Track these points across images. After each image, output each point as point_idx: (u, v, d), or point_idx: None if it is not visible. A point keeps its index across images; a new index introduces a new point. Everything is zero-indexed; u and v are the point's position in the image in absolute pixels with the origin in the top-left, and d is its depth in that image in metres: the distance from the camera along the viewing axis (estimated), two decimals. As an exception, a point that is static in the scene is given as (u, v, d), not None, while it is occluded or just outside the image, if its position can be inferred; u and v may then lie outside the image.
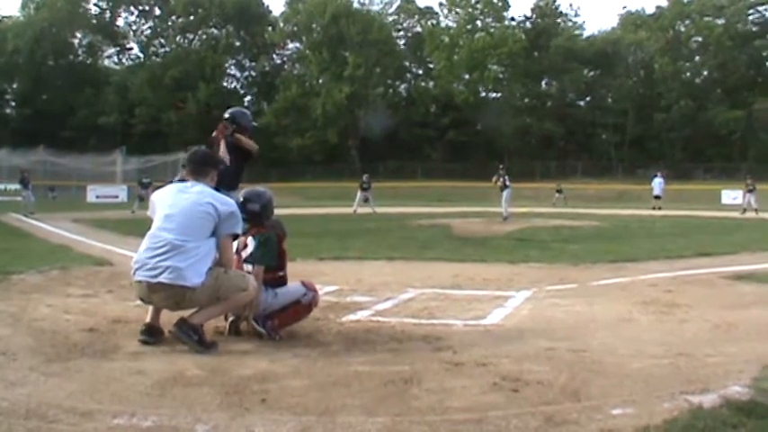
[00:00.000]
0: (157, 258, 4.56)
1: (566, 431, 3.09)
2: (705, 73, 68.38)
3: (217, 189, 4.94)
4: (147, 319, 4.78)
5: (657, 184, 36.19)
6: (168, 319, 4.97)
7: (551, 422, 3.18)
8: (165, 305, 4.70)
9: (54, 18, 68.59)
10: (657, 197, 35.53)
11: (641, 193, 41.43)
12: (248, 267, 5.04)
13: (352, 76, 65.59)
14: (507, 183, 24.03)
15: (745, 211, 30.50)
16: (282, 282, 5.20)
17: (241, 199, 5.25)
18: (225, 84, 76.45)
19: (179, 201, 4.74)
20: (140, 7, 76.71)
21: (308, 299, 5.16)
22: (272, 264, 5.09)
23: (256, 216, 5.20)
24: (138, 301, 4.94)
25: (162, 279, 4.52)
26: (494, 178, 24.77)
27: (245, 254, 5.10)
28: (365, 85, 66.98)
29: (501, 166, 25.79)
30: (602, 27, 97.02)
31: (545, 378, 3.88)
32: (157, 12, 76.90)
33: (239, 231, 4.95)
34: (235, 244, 5.16)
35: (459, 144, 67.55)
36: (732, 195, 43.32)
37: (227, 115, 6.74)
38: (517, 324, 5.57)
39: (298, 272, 5.59)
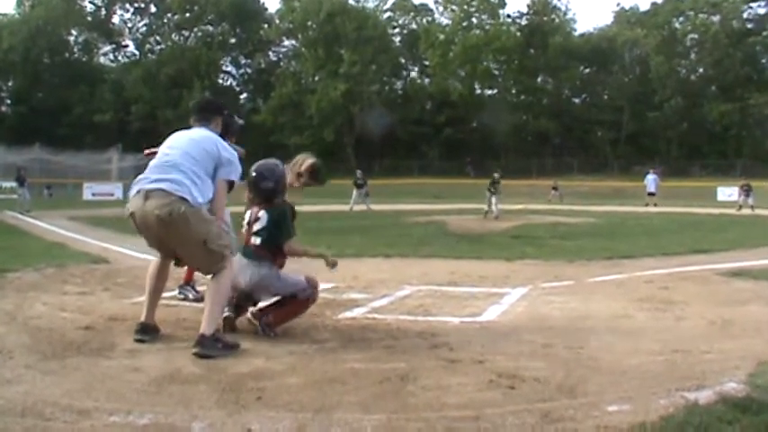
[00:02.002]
0: (160, 174, 4.56)
1: (562, 428, 3.10)
2: (701, 70, 68.49)
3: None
4: (142, 318, 4.76)
5: (651, 180, 36.23)
6: (163, 317, 4.97)
7: (548, 419, 3.18)
8: (154, 218, 4.46)
9: (49, 15, 68.48)
10: (652, 194, 35.59)
11: (637, 190, 41.43)
12: (257, 241, 5.01)
13: (348, 73, 65.61)
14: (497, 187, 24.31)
15: (740, 207, 30.59)
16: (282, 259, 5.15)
17: (253, 175, 5.14)
18: (220, 81, 76.53)
19: (181, 139, 4.78)
20: (136, 4, 76.69)
21: (307, 294, 5.10)
22: (293, 234, 5.06)
23: (271, 193, 5.10)
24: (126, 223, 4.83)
25: (162, 186, 4.49)
26: (496, 176, 24.84)
27: (256, 226, 5.06)
28: (361, 83, 66.99)
29: (498, 173, 25.69)
30: (597, 24, 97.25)
31: (541, 375, 3.88)
32: (153, 9, 76.89)
33: (236, 179, 4.87)
34: (247, 215, 5.15)
35: (455, 141, 67.63)
36: (727, 192, 43.41)
37: None
38: (513, 321, 5.57)
39: (294, 269, 5.56)
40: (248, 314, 5.04)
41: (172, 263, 4.94)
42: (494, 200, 23.52)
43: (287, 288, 5.07)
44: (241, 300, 5.12)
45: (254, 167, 5.15)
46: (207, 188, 4.64)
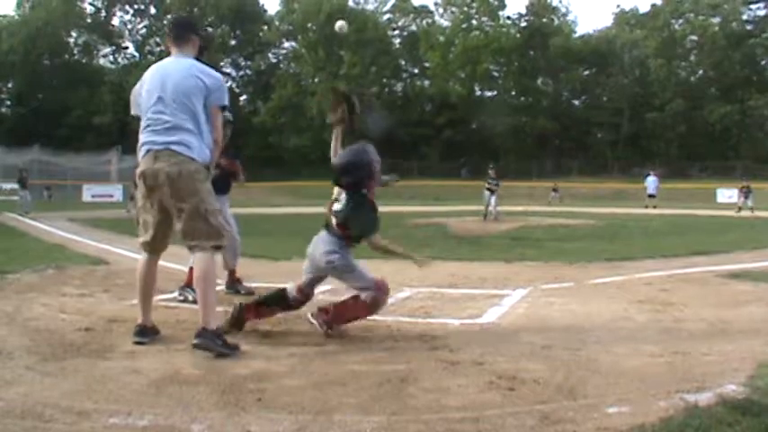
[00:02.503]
0: (164, 137, 4.61)
1: (561, 430, 3.09)
2: (700, 72, 68.53)
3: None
4: (139, 320, 4.77)
5: (651, 182, 36.34)
6: (162, 318, 4.96)
7: (547, 420, 3.18)
8: (164, 176, 4.57)
9: (49, 17, 68.55)
10: (652, 196, 35.68)
11: (637, 192, 41.49)
12: (335, 220, 5.02)
13: (348, 75, 65.65)
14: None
15: (740, 209, 30.64)
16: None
17: (336, 164, 5.09)
18: (220, 82, 76.48)
19: (166, 87, 4.69)
20: (135, 6, 76.81)
21: (368, 297, 4.89)
22: (373, 229, 4.99)
23: (352, 186, 5.00)
24: (138, 201, 4.90)
25: (171, 147, 4.58)
26: (491, 172, 24.23)
27: (336, 206, 5.06)
28: (361, 84, 66.97)
29: (493, 169, 24.87)
30: (597, 26, 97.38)
31: (541, 376, 3.88)
32: (153, 11, 77.00)
33: (227, 102, 4.89)
34: (336, 190, 5.11)
35: (455, 143, 67.65)
36: (727, 194, 43.54)
37: None
38: (513, 322, 5.57)
39: (293, 271, 5.54)
40: (308, 315, 5.01)
41: (159, 260, 4.96)
42: (492, 200, 23.27)
43: (356, 281, 4.97)
44: (310, 273, 5.08)
45: (338, 159, 5.13)
46: (208, 133, 4.74)
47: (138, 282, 4.86)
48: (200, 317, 4.49)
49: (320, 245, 5.00)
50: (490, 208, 22.99)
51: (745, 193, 31.96)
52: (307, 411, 3.30)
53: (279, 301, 5.11)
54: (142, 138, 4.73)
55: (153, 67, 4.90)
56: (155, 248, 4.86)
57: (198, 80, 4.68)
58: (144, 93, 4.80)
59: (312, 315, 4.97)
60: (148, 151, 4.67)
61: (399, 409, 3.35)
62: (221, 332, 4.53)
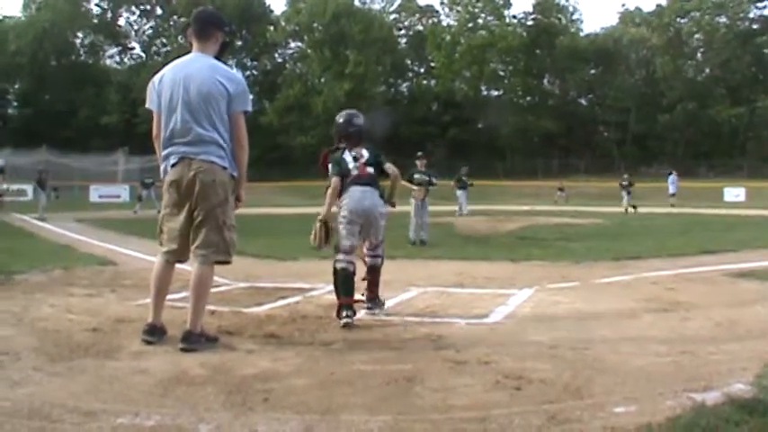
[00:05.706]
0: (195, 148, 4.62)
1: (568, 429, 3.09)
2: (707, 71, 68.29)
3: None
4: (149, 319, 4.77)
5: (671, 181, 36.47)
6: (169, 318, 4.97)
7: (554, 420, 3.17)
8: (198, 182, 4.59)
9: (56, 18, 68.73)
10: (672, 195, 35.78)
11: (644, 191, 41.33)
12: (371, 170, 5.74)
13: (354, 74, 65.62)
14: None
15: (635, 207, 29.37)
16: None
17: (341, 121, 6.25)
18: (227, 83, 76.67)
19: (189, 85, 4.66)
20: (142, 7, 76.97)
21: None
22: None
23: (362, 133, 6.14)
24: (167, 196, 4.83)
25: (203, 157, 4.60)
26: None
27: (364, 160, 5.85)
28: (366, 83, 66.98)
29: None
30: (603, 25, 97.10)
31: (548, 376, 3.87)
32: (159, 11, 77.18)
33: (250, 108, 4.90)
34: (347, 154, 5.85)
35: (461, 142, 67.56)
36: (734, 193, 43.42)
37: None
38: (519, 322, 5.56)
39: (300, 271, 5.54)
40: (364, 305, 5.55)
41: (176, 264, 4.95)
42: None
43: (382, 231, 5.79)
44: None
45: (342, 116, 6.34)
46: (230, 145, 4.75)
47: (153, 281, 4.83)
48: (189, 319, 4.62)
49: (374, 199, 5.69)
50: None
51: (626, 187, 31.01)
52: (313, 411, 3.30)
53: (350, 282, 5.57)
54: (171, 148, 4.69)
55: (174, 66, 4.85)
56: (179, 257, 4.83)
57: (221, 86, 4.65)
58: (165, 93, 4.73)
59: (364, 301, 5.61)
60: (181, 159, 4.64)
61: (406, 408, 3.35)
62: (203, 329, 4.69)
